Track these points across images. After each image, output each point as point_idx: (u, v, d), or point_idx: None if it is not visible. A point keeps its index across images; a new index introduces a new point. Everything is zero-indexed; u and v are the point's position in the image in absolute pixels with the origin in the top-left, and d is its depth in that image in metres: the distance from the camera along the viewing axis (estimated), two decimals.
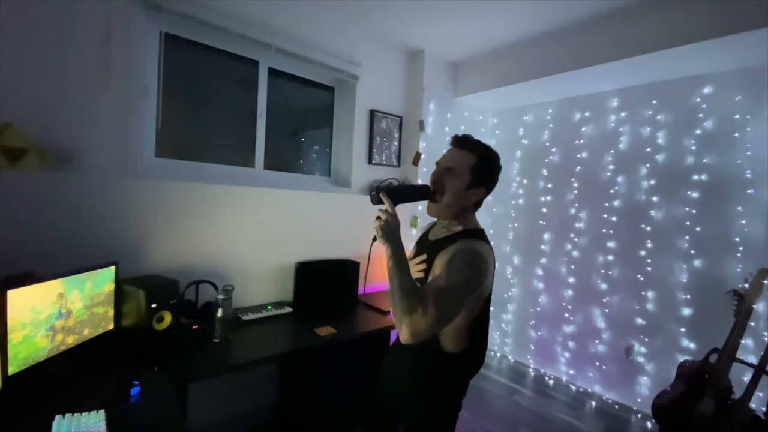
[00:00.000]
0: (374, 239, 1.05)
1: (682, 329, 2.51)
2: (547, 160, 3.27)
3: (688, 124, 2.52)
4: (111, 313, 1.56)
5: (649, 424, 2.52)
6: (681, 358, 2.35)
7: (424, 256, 1.15)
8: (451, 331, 1.06)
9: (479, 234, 1.14)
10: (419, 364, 1.15)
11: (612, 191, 2.86)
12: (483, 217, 3.67)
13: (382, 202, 1.02)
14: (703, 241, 2.45)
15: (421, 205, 2.10)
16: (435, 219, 1.25)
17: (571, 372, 3.07)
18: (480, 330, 1.13)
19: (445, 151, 1.19)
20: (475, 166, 1.10)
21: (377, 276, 2.64)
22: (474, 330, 1.10)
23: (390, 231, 0.99)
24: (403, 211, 1.08)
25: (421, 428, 1.17)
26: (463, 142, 1.13)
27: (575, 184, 3.08)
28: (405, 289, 0.95)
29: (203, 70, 2.24)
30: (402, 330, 0.96)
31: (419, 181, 3.00)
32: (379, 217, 1.00)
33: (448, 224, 1.17)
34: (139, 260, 1.81)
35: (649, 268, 2.67)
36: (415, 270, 1.15)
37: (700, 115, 2.47)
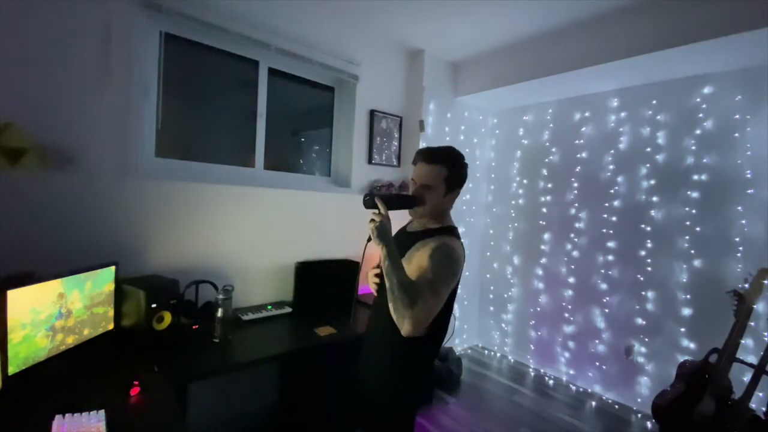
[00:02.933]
0: (369, 239, 1.12)
1: (682, 329, 2.51)
2: (547, 160, 3.27)
3: (688, 124, 2.52)
4: (111, 313, 1.56)
5: (649, 424, 2.51)
6: (681, 358, 2.35)
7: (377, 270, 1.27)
8: None
9: (454, 232, 1.25)
10: (394, 351, 1.21)
11: (612, 191, 2.86)
12: (483, 217, 3.67)
13: (374, 207, 1.09)
14: (703, 241, 2.45)
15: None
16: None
17: (571, 372, 3.07)
18: (446, 315, 1.22)
19: (418, 161, 1.26)
20: (448, 176, 1.20)
21: None
22: (441, 316, 1.18)
23: (384, 232, 1.07)
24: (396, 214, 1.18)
25: (389, 411, 1.24)
26: (432, 157, 1.21)
27: (575, 184, 3.08)
28: (403, 285, 1.05)
29: (203, 70, 2.24)
30: (405, 323, 1.04)
31: None
32: (373, 220, 1.08)
33: (426, 221, 1.27)
34: (139, 260, 1.81)
35: (649, 268, 2.66)
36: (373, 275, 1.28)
37: (700, 115, 2.47)
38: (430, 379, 1.33)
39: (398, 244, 1.15)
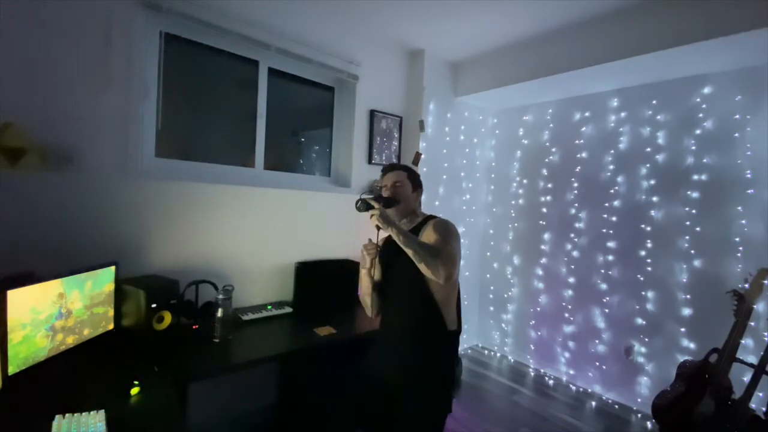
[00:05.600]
0: (378, 228, 1.29)
1: (682, 329, 2.51)
2: (547, 160, 3.27)
3: (688, 124, 2.52)
4: (111, 313, 1.56)
5: (649, 424, 2.51)
6: (681, 358, 2.35)
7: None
8: (449, 305, 1.35)
9: (435, 216, 1.47)
10: (428, 345, 1.34)
11: (612, 191, 2.86)
12: (483, 217, 3.68)
13: (368, 208, 1.30)
14: (703, 241, 2.45)
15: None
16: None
17: (571, 372, 3.07)
18: (459, 306, 1.43)
19: (384, 174, 1.51)
20: (408, 176, 1.49)
21: None
22: (458, 306, 1.41)
23: (387, 216, 1.28)
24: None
25: (428, 410, 1.33)
26: (393, 167, 1.51)
27: (575, 184, 3.08)
28: (424, 245, 1.25)
29: (203, 70, 2.24)
30: (440, 269, 1.20)
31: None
32: (373, 215, 1.26)
33: (408, 221, 1.48)
34: (139, 260, 1.81)
35: (649, 268, 2.66)
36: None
37: (700, 115, 2.47)
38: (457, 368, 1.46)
39: (395, 249, 1.29)
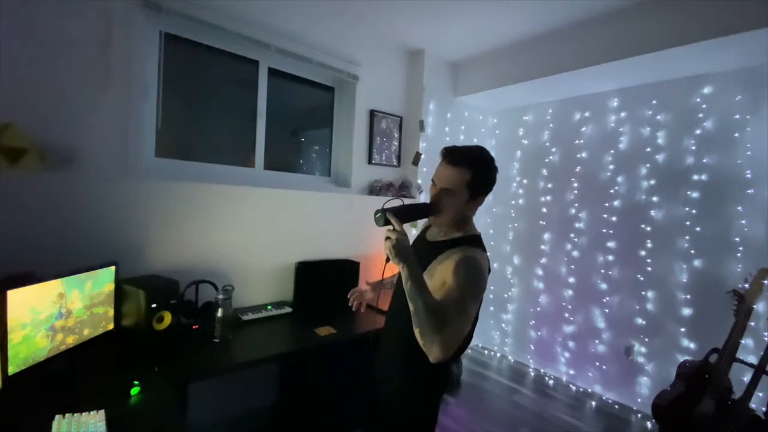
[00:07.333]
0: (387, 260, 1.01)
1: (682, 329, 2.51)
2: (547, 160, 3.27)
3: (688, 124, 2.52)
4: (111, 313, 1.56)
5: (649, 424, 2.52)
6: (681, 358, 2.35)
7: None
8: None
9: (477, 241, 1.14)
10: (410, 366, 1.17)
11: (612, 191, 2.86)
12: (483, 217, 3.68)
13: (388, 223, 0.99)
14: (703, 241, 2.45)
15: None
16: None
17: (571, 372, 3.07)
18: (471, 329, 1.16)
19: (442, 161, 1.15)
20: (471, 181, 1.08)
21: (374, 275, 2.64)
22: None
23: (402, 249, 0.96)
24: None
25: (405, 419, 1.21)
26: (455, 159, 1.08)
27: (575, 184, 3.08)
28: (430, 308, 0.94)
29: (203, 70, 2.24)
30: (434, 349, 0.93)
31: (419, 182, 3.00)
32: (388, 237, 0.97)
33: (447, 230, 1.18)
34: (139, 260, 1.80)
35: (649, 268, 2.67)
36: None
37: (700, 115, 2.47)
38: (444, 386, 1.26)
39: (419, 255, 1.03)
